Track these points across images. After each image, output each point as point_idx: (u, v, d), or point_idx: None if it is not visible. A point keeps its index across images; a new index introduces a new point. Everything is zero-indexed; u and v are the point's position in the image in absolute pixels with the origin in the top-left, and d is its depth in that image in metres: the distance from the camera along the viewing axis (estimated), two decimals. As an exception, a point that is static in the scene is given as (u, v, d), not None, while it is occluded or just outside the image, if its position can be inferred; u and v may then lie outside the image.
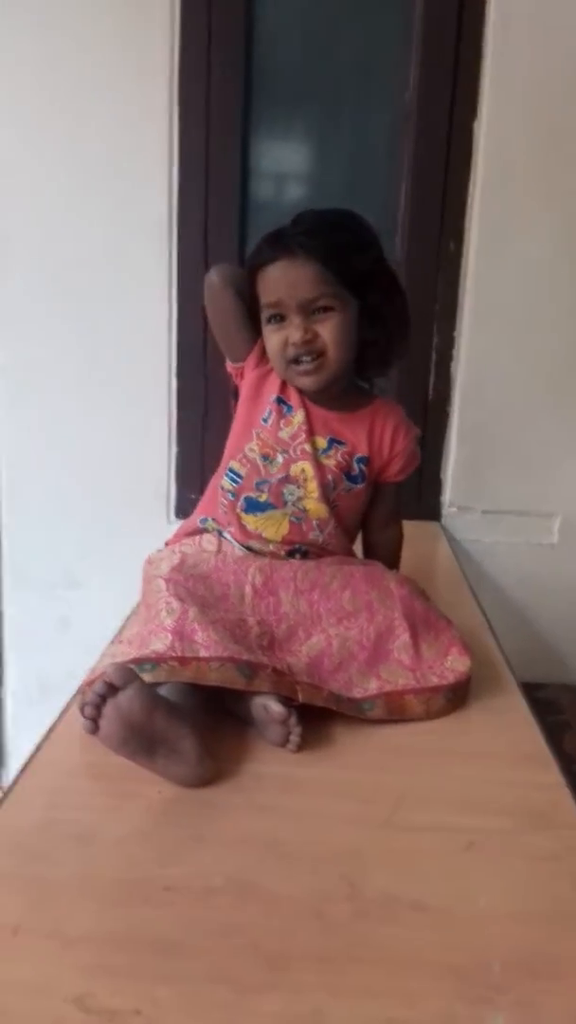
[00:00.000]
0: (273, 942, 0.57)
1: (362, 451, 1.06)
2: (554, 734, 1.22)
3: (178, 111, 1.70)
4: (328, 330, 0.98)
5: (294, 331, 0.98)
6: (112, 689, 0.73)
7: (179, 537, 1.13)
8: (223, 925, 0.59)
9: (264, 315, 1.01)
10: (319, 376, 1.00)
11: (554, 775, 0.82)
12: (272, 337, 1.00)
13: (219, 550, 1.05)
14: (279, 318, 0.99)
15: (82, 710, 0.74)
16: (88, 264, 1.78)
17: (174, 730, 0.75)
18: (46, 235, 1.78)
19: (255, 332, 1.05)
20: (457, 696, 0.94)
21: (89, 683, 0.84)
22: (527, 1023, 0.52)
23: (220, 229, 1.76)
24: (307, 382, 1.01)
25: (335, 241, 0.96)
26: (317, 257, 0.95)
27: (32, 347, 1.83)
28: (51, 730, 0.85)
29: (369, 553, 1.17)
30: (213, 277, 1.05)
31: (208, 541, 1.07)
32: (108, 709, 0.73)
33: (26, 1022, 0.50)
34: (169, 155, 1.72)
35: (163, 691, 0.82)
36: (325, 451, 1.05)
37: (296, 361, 1.00)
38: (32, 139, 1.73)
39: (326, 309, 0.98)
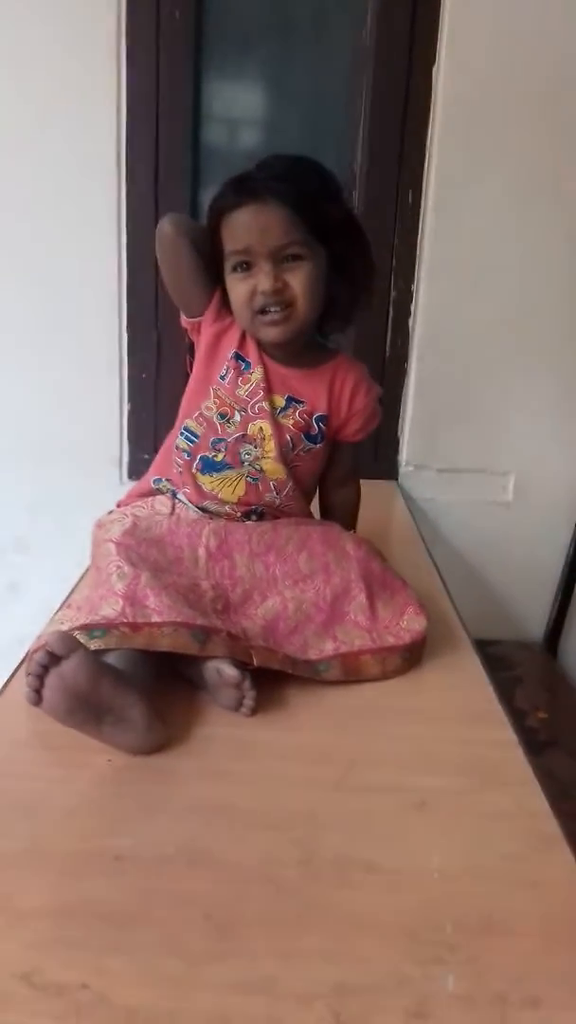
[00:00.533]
0: (224, 910, 0.57)
1: (322, 409, 1.04)
2: (506, 690, 1.24)
3: (126, 49, 1.62)
4: (298, 280, 0.94)
5: (264, 279, 0.93)
6: (54, 659, 0.71)
7: (131, 498, 1.10)
8: (175, 894, 0.58)
9: (229, 263, 0.95)
10: (286, 327, 0.96)
11: (506, 733, 0.82)
12: (238, 286, 0.96)
13: (172, 512, 1.02)
14: (245, 266, 0.94)
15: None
16: (33, 209, 1.70)
17: (121, 698, 0.73)
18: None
19: (211, 285, 1.00)
20: (413, 655, 0.94)
21: (35, 651, 0.82)
22: (477, 981, 0.52)
23: (171, 174, 1.70)
24: (273, 333, 0.97)
25: (306, 187, 0.92)
26: (288, 202, 0.90)
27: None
28: (-2, 698, 0.83)
29: (326, 513, 1.15)
30: (165, 226, 0.98)
31: (161, 503, 1.04)
32: (51, 679, 0.71)
33: (-30, 1000, 0.49)
34: (117, 96, 1.64)
35: (111, 656, 0.80)
36: (283, 410, 1.02)
37: (263, 311, 0.96)
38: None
39: (296, 257, 0.93)
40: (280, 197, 0.90)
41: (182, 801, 0.69)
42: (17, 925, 0.55)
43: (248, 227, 0.92)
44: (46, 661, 0.71)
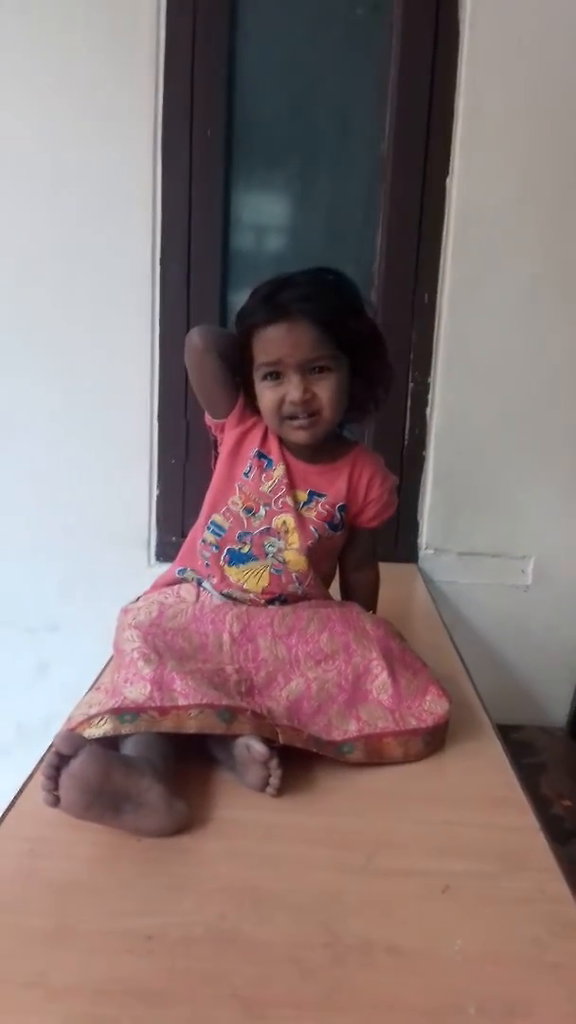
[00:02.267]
0: (253, 990, 0.58)
1: (342, 499, 1.09)
2: (530, 777, 1.24)
3: (161, 161, 1.76)
4: (325, 390, 1.00)
5: (293, 390, 0.99)
6: (63, 759, 0.73)
7: (156, 588, 1.14)
8: (204, 974, 0.59)
9: (260, 372, 1.02)
10: (313, 431, 1.03)
11: (528, 818, 0.83)
12: (267, 393, 1.02)
13: (198, 599, 1.06)
14: (275, 375, 1.01)
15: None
16: (71, 308, 1.81)
17: (135, 783, 0.75)
18: (28, 279, 1.81)
19: (236, 390, 1.07)
20: (435, 739, 0.96)
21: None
22: (502, 1067, 0.53)
23: (202, 276, 1.81)
24: (301, 436, 1.03)
25: (333, 306, 0.99)
26: (318, 322, 0.97)
27: (14, 388, 1.85)
28: (30, 778, 0.85)
29: (346, 595, 1.19)
30: (196, 340, 1.05)
31: (187, 591, 1.08)
32: (64, 779, 0.72)
33: (7, 1075, 0.50)
34: (153, 206, 1.77)
35: (131, 738, 0.83)
36: (306, 504, 1.07)
37: (291, 417, 1.02)
38: (14, 185, 1.77)
39: (323, 369, 1.00)
40: (310, 317, 0.97)
41: (210, 882, 0.70)
42: (52, 1001, 0.56)
43: (280, 343, 0.98)
44: (56, 762, 0.73)
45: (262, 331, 0.99)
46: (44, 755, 0.88)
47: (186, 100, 1.74)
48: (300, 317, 0.97)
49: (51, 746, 0.76)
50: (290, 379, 1.00)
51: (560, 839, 0.84)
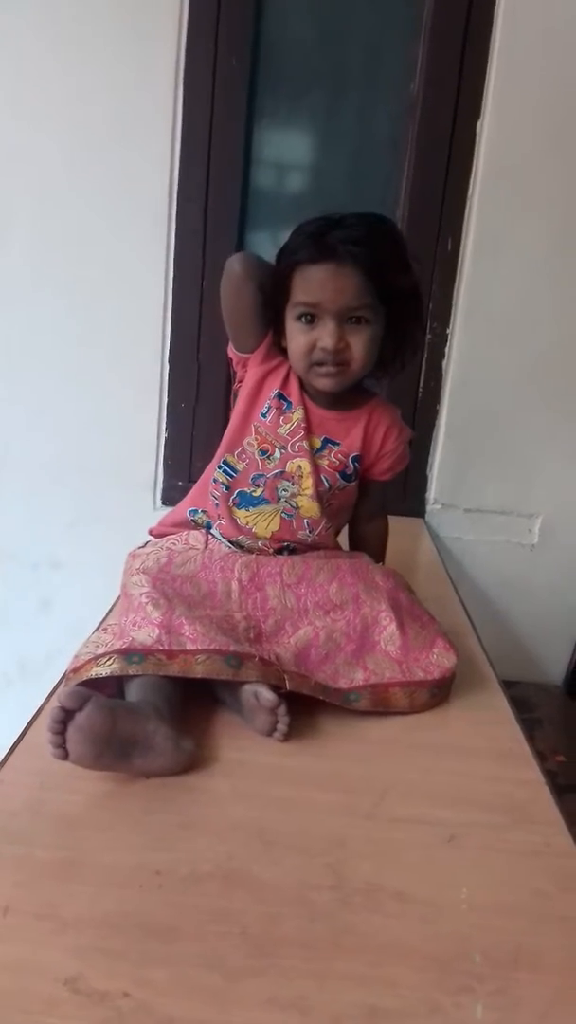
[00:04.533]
0: (260, 928, 0.58)
1: (356, 450, 1.07)
2: (525, 732, 1.24)
3: (183, 94, 1.69)
4: (359, 342, 0.97)
5: (327, 337, 0.96)
6: (69, 713, 0.72)
7: (165, 527, 1.13)
8: (212, 911, 0.60)
9: (294, 312, 0.98)
10: (339, 380, 1.00)
11: (534, 772, 0.84)
12: (300, 336, 0.98)
13: (206, 546, 1.05)
14: (310, 318, 0.97)
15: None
16: (85, 243, 1.76)
17: (142, 728, 0.75)
18: (43, 215, 1.75)
19: (266, 327, 1.03)
20: (441, 691, 0.96)
21: (74, 670, 0.85)
22: (507, 1013, 0.53)
23: (220, 214, 1.75)
24: (325, 384, 1.01)
25: (382, 255, 0.95)
26: (365, 268, 0.93)
27: (23, 323, 1.81)
28: (39, 712, 0.85)
29: (355, 546, 1.18)
30: (236, 266, 1.00)
31: (195, 538, 1.07)
32: (71, 733, 0.72)
33: (17, 1002, 0.51)
34: (172, 138, 1.70)
35: (136, 681, 0.83)
36: (319, 451, 1.05)
37: (319, 363, 0.99)
38: (33, 119, 1.71)
39: (360, 320, 0.97)
40: (358, 262, 0.93)
41: (218, 821, 0.71)
42: (61, 932, 0.56)
43: (323, 285, 0.94)
44: (62, 717, 0.72)
45: (305, 270, 0.95)
46: (52, 691, 0.89)
47: (211, 24, 1.67)
48: (348, 260, 0.93)
49: (51, 694, 0.75)
50: (325, 325, 0.96)
51: (553, 794, 0.84)
